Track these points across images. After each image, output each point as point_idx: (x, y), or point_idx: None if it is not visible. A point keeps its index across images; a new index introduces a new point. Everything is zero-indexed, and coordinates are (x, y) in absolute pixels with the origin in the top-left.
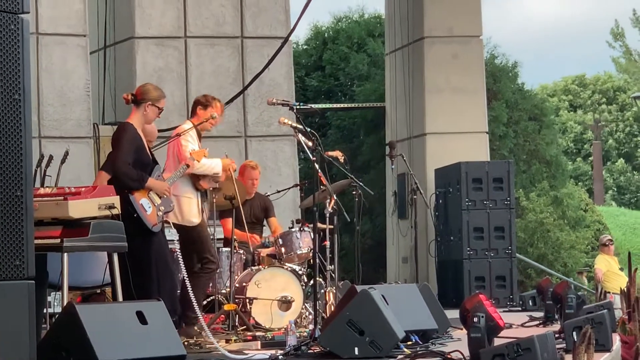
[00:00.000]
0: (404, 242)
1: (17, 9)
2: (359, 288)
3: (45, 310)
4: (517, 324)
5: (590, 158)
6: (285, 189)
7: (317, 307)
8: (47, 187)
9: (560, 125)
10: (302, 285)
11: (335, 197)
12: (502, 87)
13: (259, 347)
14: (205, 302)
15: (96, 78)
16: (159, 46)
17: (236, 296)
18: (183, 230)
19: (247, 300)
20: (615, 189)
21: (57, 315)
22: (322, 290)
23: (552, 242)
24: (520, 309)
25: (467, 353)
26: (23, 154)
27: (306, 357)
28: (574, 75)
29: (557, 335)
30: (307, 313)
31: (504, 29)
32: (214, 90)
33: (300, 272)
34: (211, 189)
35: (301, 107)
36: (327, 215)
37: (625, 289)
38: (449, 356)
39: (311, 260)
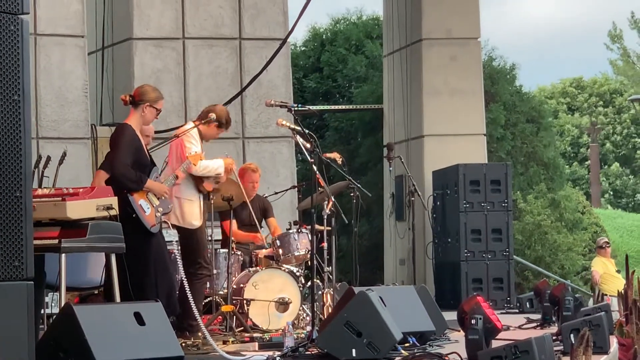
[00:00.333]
0: (401, 243)
1: (17, 10)
2: (356, 290)
3: (42, 311)
4: (514, 326)
5: (586, 162)
6: (283, 191)
7: (315, 309)
8: (45, 188)
9: (558, 128)
10: (299, 287)
11: (333, 199)
12: (500, 90)
13: (257, 349)
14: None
15: (94, 79)
16: (157, 47)
17: (234, 297)
18: (182, 233)
19: (245, 301)
20: (611, 193)
21: (54, 316)
22: (320, 292)
23: (550, 244)
24: (517, 311)
25: (464, 355)
26: (22, 154)
27: (303, 359)
28: (571, 78)
29: (554, 338)
30: (304, 314)
31: (502, 31)
32: (212, 91)
33: (297, 274)
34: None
35: (299, 108)
36: (325, 216)
37: (622, 291)
38: (446, 358)
39: (309, 262)
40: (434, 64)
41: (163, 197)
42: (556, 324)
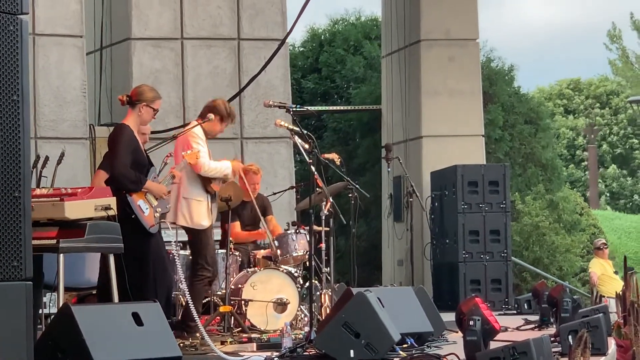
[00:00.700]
0: (399, 244)
1: (16, 10)
2: (354, 290)
3: (40, 311)
4: (512, 328)
5: (583, 163)
6: (281, 191)
7: (313, 310)
8: (43, 187)
9: (555, 130)
10: (297, 288)
11: (331, 200)
12: (498, 91)
13: (255, 349)
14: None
15: (92, 79)
16: (156, 47)
17: (232, 298)
18: (190, 233)
19: (243, 302)
20: (608, 195)
21: (52, 316)
22: (318, 293)
23: (548, 245)
24: (515, 312)
25: (462, 356)
26: (21, 154)
27: None
28: (568, 79)
29: (552, 339)
30: (302, 315)
31: (501, 32)
32: (210, 91)
33: (296, 274)
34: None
35: (297, 109)
36: (323, 217)
37: (620, 292)
38: (444, 359)
39: (307, 263)
40: (433, 64)
41: (162, 197)
42: (554, 325)
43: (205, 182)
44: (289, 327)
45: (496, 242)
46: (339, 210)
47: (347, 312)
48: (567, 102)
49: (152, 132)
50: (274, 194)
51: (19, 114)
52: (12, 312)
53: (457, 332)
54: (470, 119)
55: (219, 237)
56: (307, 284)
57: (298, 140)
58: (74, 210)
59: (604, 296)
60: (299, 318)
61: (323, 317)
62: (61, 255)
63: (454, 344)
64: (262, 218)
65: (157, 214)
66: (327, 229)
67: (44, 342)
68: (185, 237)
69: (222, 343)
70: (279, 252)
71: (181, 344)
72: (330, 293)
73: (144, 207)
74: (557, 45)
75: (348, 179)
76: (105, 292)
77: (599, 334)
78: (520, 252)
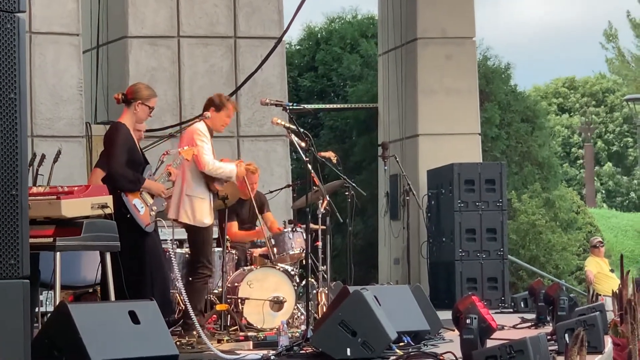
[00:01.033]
0: (396, 243)
1: (14, 8)
2: (351, 289)
3: (37, 309)
4: (509, 326)
5: (579, 161)
6: (277, 189)
7: (309, 308)
8: (39, 186)
9: (550, 129)
10: (294, 286)
11: (327, 198)
12: (495, 89)
13: (251, 348)
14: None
15: (89, 77)
16: (152, 46)
17: (228, 296)
18: (191, 231)
19: (239, 300)
20: (604, 192)
21: (49, 315)
22: (314, 291)
23: (544, 244)
24: (511, 310)
25: (459, 354)
26: (18, 153)
27: (298, 358)
28: (563, 78)
29: (549, 337)
30: (299, 313)
31: (497, 31)
32: (206, 90)
33: (292, 273)
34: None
35: (294, 107)
36: (320, 215)
37: (617, 291)
38: (441, 357)
39: (303, 261)
40: (429, 63)
41: (160, 196)
42: (550, 324)
43: (208, 180)
44: (285, 325)
45: (493, 241)
46: (336, 208)
47: (344, 310)
48: (562, 100)
49: (149, 131)
50: (271, 192)
51: (16, 112)
52: (9, 310)
53: (453, 330)
54: (467, 117)
55: (216, 236)
56: (304, 282)
57: (294, 139)
58: (71, 208)
59: (600, 294)
60: (296, 316)
61: (319, 316)
62: (58, 253)
63: (450, 342)
64: (259, 216)
65: (153, 213)
66: (324, 227)
67: (40, 341)
68: (181, 236)
69: (219, 341)
70: (275, 250)
71: (178, 343)
72: (326, 291)
73: (140, 206)
74: (552, 44)
75: (344, 177)
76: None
77: (595, 332)
78: (516, 251)
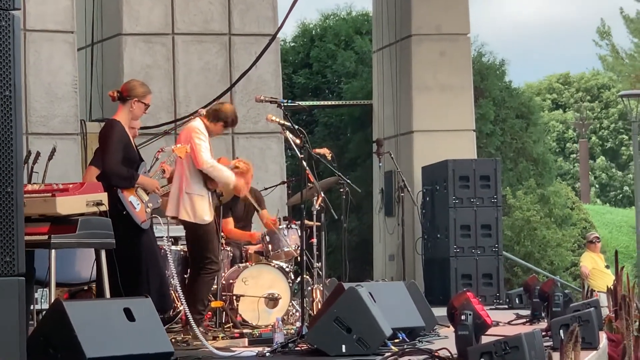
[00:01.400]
0: (390, 239)
1: (8, 6)
2: (346, 285)
3: (32, 307)
4: (503, 322)
5: (572, 156)
6: (272, 186)
7: (304, 305)
8: (34, 183)
9: (544, 125)
10: (289, 283)
11: (322, 195)
12: (490, 85)
13: (246, 344)
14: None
15: (84, 75)
16: (147, 43)
17: (223, 293)
18: (193, 228)
19: (234, 297)
20: (597, 186)
21: (44, 312)
22: (309, 288)
23: (539, 240)
24: (506, 306)
25: (454, 351)
26: (14, 150)
27: (293, 355)
28: (558, 74)
29: (544, 333)
30: (294, 310)
31: (491, 27)
32: (201, 87)
33: (287, 270)
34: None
35: (288, 104)
36: (314, 212)
37: (612, 287)
38: (436, 354)
39: (298, 258)
40: (424, 59)
41: (154, 192)
42: (545, 320)
43: (205, 178)
44: (280, 322)
45: (487, 237)
46: (330, 205)
47: (339, 307)
48: (556, 96)
49: (144, 128)
50: (265, 189)
51: (12, 109)
52: (5, 308)
53: (448, 326)
54: (462, 114)
55: None
56: (299, 279)
57: (289, 135)
58: (66, 205)
59: (594, 290)
60: (291, 313)
61: (314, 312)
62: (53, 250)
63: (445, 338)
64: (258, 209)
65: (149, 209)
66: (319, 224)
67: (35, 338)
68: (177, 233)
69: (214, 338)
70: (270, 247)
71: (173, 340)
72: (321, 288)
73: (135, 203)
74: (545, 40)
75: (339, 174)
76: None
77: (590, 328)
78: (511, 247)
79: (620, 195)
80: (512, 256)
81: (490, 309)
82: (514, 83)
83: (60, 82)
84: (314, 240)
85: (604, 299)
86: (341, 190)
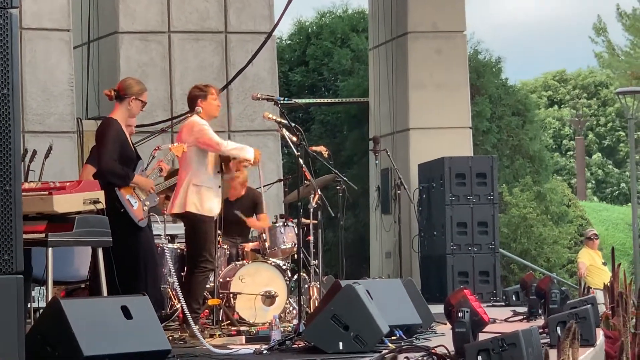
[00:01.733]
0: (387, 237)
1: (6, 4)
2: (343, 283)
3: (29, 305)
4: (500, 319)
5: (569, 152)
6: (269, 184)
7: (301, 302)
8: (31, 181)
9: (540, 122)
10: (286, 280)
11: (319, 192)
12: (486, 83)
13: (243, 342)
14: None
15: (80, 73)
16: (143, 41)
17: (220, 291)
18: (195, 222)
19: (231, 295)
20: (593, 182)
21: (41, 310)
22: (306, 285)
23: (535, 237)
24: (503, 304)
25: (451, 348)
26: (12, 148)
27: (290, 352)
28: (554, 71)
29: (541, 330)
30: (291, 308)
31: (488, 25)
32: None
33: (284, 267)
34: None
35: (285, 102)
36: (311, 210)
37: (609, 284)
38: (433, 351)
39: (295, 255)
40: (420, 57)
41: (149, 192)
42: (542, 317)
43: (226, 160)
44: (277, 319)
45: (484, 234)
46: (327, 202)
47: (336, 304)
48: (552, 93)
49: (140, 126)
50: (262, 186)
51: (9, 107)
52: (3, 306)
53: (445, 324)
54: (458, 111)
55: None
56: (296, 276)
57: (286, 133)
58: (63, 204)
59: (591, 287)
60: (288, 311)
61: (312, 310)
62: (50, 249)
63: (442, 335)
64: (260, 208)
65: (146, 208)
66: (315, 221)
67: (33, 336)
68: (174, 231)
69: (211, 336)
70: (267, 244)
71: (170, 337)
72: (318, 286)
73: (133, 201)
74: (542, 38)
75: (336, 171)
76: (96, 285)
77: (587, 325)
78: (508, 244)
79: (617, 192)
80: (509, 253)
81: (487, 306)
82: (510, 80)
83: (57, 80)
84: (311, 238)
85: (601, 296)
86: (338, 187)
